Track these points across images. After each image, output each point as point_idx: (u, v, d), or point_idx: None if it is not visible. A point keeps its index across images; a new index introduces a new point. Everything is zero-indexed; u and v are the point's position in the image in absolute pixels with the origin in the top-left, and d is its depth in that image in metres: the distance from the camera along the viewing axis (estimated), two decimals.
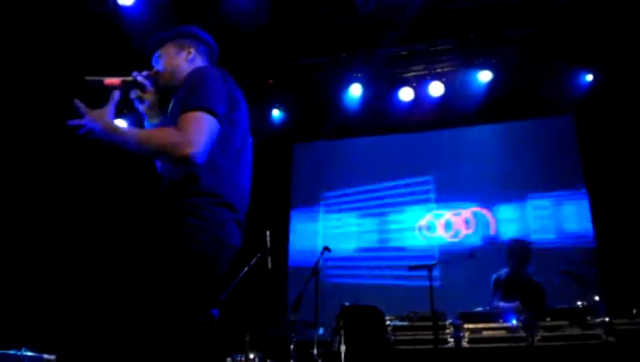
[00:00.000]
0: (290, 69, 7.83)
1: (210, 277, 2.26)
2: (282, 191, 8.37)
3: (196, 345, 2.27)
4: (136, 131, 2.26)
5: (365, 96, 7.85)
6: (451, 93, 7.64)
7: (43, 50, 6.20)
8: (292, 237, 8.12)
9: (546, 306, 5.51)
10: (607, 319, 4.70)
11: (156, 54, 2.65)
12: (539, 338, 4.73)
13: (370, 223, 7.95)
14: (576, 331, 4.71)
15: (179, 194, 2.25)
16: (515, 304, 5.21)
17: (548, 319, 4.82)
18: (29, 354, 4.80)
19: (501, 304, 5.35)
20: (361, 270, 7.68)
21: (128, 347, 2.13)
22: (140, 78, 2.56)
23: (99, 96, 2.40)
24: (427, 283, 5.06)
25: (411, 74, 7.78)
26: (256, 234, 5.48)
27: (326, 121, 8.14)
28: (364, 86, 7.76)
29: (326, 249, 5.55)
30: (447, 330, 5.04)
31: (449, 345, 4.98)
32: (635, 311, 4.70)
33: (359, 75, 7.70)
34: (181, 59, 2.60)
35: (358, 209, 8.05)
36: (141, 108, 2.62)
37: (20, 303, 5.71)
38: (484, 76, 7.40)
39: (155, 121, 2.62)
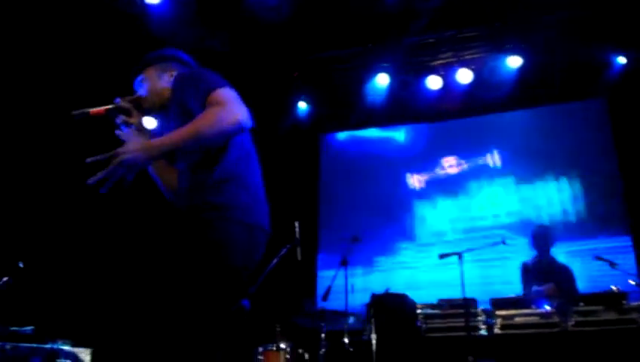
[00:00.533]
0: (315, 60, 7.83)
1: (247, 263, 2.31)
2: (310, 182, 8.38)
3: (229, 335, 2.30)
4: (176, 133, 2.23)
5: (392, 86, 7.80)
6: (480, 80, 7.55)
7: (69, 51, 6.30)
8: (321, 226, 8.12)
9: (576, 286, 5.44)
10: None
11: (139, 78, 2.66)
12: (573, 323, 4.64)
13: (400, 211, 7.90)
14: (612, 316, 4.60)
15: (206, 189, 2.29)
16: (550, 285, 5.14)
17: (581, 304, 4.73)
18: (65, 347, 4.90)
19: (535, 288, 5.26)
20: (391, 257, 7.66)
21: (163, 338, 2.17)
22: (124, 104, 2.57)
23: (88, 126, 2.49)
24: (458, 270, 5.05)
25: (439, 62, 7.71)
26: (285, 224, 5.51)
27: (353, 111, 8.12)
28: (391, 75, 7.71)
29: (355, 239, 5.53)
30: (479, 317, 4.99)
31: (481, 332, 4.93)
32: None
33: (386, 64, 7.66)
34: (164, 82, 2.61)
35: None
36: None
37: (56, 297, 5.83)
38: (514, 61, 7.29)
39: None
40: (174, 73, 2.61)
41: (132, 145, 2.15)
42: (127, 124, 2.58)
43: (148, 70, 2.64)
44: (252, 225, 2.29)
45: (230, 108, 2.22)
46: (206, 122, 2.18)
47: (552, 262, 5.71)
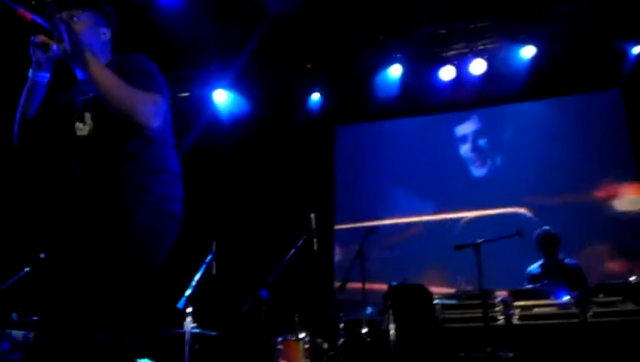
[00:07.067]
0: (328, 51, 7.80)
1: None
2: (326, 173, 8.37)
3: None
4: (106, 72, 2.25)
5: (405, 77, 7.78)
6: (494, 71, 7.52)
7: None
8: (337, 217, 8.13)
9: (587, 284, 5.42)
10: None
11: (73, 10, 2.43)
12: (591, 314, 4.65)
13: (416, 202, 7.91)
14: (630, 306, 4.60)
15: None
16: None
17: (601, 295, 4.73)
18: None
19: None
20: (408, 248, 7.67)
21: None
22: (60, 27, 2.23)
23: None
24: (474, 261, 5.03)
25: (452, 52, 7.66)
26: (301, 216, 5.53)
27: (367, 103, 8.09)
28: (404, 66, 7.69)
29: (371, 231, 5.53)
30: (497, 308, 4.98)
31: (499, 322, 4.93)
32: None
33: (398, 55, 7.64)
34: (97, 38, 2.50)
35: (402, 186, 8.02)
36: (36, 52, 2.37)
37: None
38: (528, 51, 7.27)
39: (40, 73, 2.41)
40: (108, 34, 2.55)
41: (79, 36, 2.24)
42: (43, 48, 2.34)
43: (85, 10, 2.47)
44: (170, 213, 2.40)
45: (154, 111, 2.31)
46: (134, 98, 2.25)
47: (560, 264, 5.70)
